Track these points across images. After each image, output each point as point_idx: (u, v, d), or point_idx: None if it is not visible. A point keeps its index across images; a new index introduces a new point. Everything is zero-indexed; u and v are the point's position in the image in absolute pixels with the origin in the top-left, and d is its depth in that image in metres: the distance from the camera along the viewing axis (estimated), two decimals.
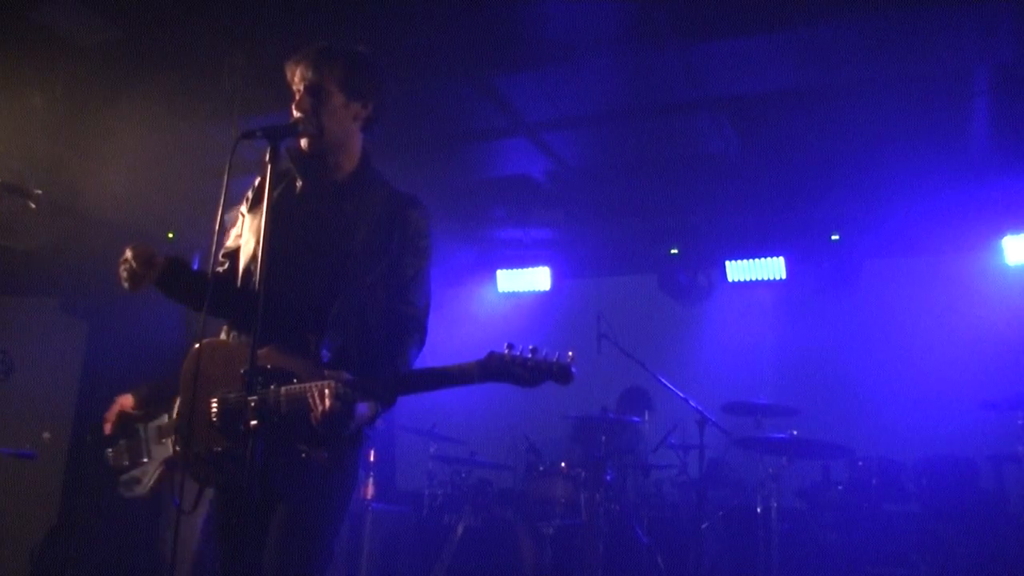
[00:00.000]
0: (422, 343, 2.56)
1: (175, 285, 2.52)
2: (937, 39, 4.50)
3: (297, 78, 2.53)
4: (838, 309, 6.85)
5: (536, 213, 7.28)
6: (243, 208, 2.68)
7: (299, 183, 2.58)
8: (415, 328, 2.54)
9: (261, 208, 2.39)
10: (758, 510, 5.31)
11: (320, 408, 2.24)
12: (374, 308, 2.50)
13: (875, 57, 4.67)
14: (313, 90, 2.50)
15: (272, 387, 2.30)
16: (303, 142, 2.55)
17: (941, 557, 5.00)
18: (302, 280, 2.46)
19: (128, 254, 2.42)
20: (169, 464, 3.72)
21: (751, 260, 7.05)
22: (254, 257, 2.48)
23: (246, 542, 2.26)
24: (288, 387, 2.30)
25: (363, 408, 2.36)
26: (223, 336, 2.56)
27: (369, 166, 2.64)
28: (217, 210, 2.39)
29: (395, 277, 2.54)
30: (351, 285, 2.45)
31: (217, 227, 2.42)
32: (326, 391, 2.24)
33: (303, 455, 2.34)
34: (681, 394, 5.57)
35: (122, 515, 6.45)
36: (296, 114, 2.50)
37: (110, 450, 3.65)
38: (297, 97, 2.53)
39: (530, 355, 2.26)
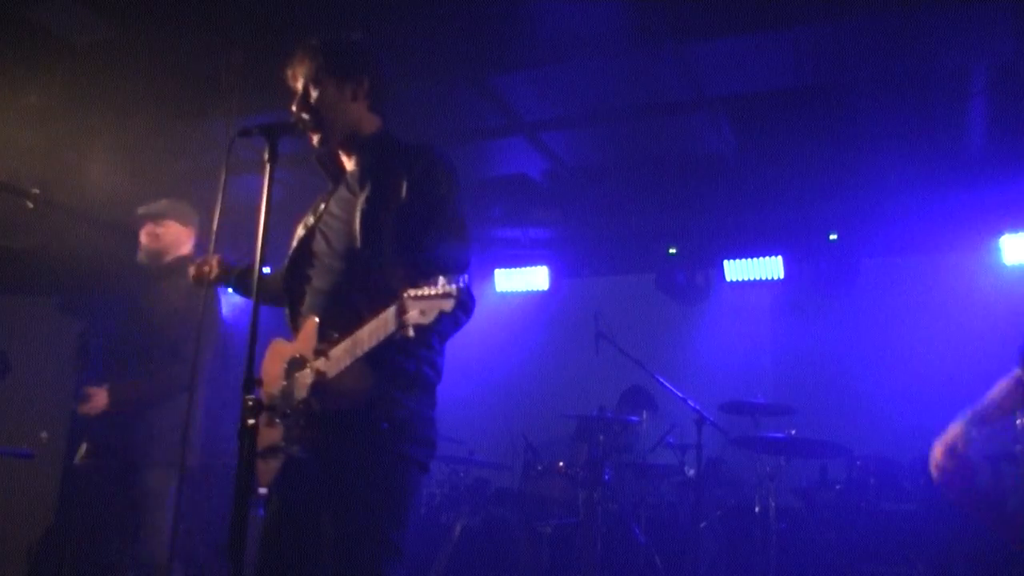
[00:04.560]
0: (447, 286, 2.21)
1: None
2: (935, 39, 4.50)
3: (293, 82, 2.53)
4: (836, 308, 6.85)
5: (534, 213, 7.28)
6: None
7: (332, 188, 2.60)
8: (429, 272, 2.11)
9: (306, 215, 2.57)
10: (756, 509, 5.31)
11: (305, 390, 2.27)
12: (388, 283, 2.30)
13: (872, 56, 4.67)
14: (305, 87, 2.49)
15: (296, 376, 2.33)
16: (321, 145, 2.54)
17: (939, 556, 5.00)
18: (324, 277, 2.44)
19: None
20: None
21: (749, 260, 7.05)
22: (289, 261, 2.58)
23: (285, 542, 2.32)
24: (299, 373, 2.32)
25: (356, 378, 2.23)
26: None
27: (382, 137, 2.56)
28: (216, 209, 2.38)
29: (406, 235, 2.36)
30: (359, 266, 2.37)
31: (215, 226, 2.41)
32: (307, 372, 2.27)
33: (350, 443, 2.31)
34: (679, 394, 5.57)
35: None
36: (302, 116, 2.49)
37: None
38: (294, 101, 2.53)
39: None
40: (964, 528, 5.01)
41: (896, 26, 4.36)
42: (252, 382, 2.12)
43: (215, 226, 2.43)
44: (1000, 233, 6.29)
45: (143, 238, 4.03)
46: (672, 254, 7.36)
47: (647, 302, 7.47)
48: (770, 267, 6.99)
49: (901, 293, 6.72)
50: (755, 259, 7.02)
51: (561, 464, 5.74)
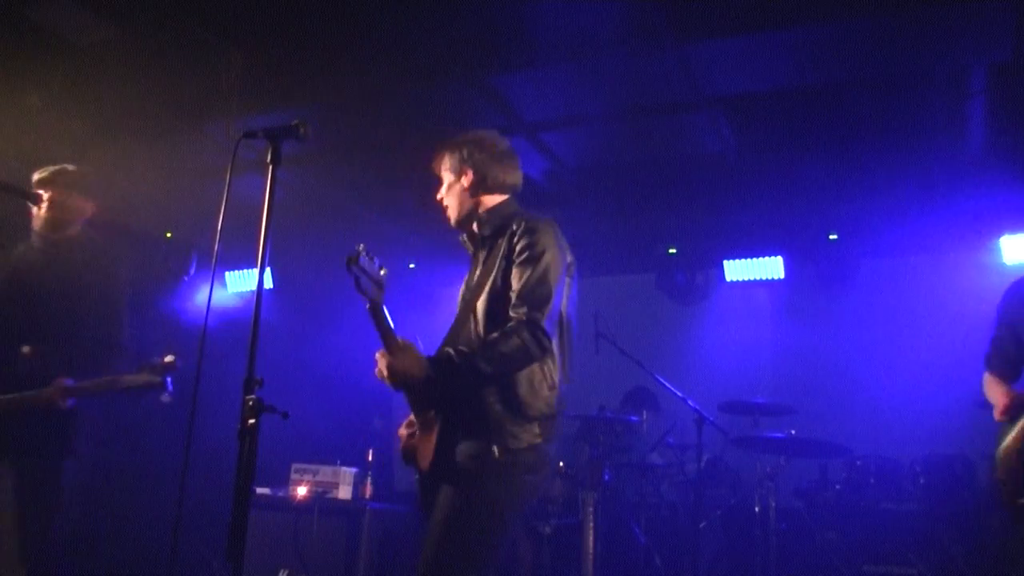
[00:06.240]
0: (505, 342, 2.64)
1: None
2: (934, 39, 4.51)
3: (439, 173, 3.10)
4: (836, 308, 6.86)
5: (533, 213, 7.26)
6: None
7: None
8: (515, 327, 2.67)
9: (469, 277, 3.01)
10: (756, 509, 5.31)
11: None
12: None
13: (872, 57, 4.67)
14: (440, 179, 3.07)
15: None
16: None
17: (939, 556, 5.00)
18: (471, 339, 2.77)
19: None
20: None
21: (749, 259, 7.05)
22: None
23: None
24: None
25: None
26: None
27: (499, 210, 3.00)
28: (219, 210, 2.38)
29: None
30: (491, 324, 2.76)
31: (220, 226, 2.41)
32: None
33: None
34: (679, 393, 5.57)
35: (119, 513, 6.45)
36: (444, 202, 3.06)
37: None
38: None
39: None
40: (964, 528, 5.02)
41: (896, 26, 4.37)
42: (252, 382, 2.11)
43: (220, 226, 2.42)
44: (1000, 233, 6.29)
45: (44, 204, 3.81)
46: (672, 254, 7.36)
47: (647, 302, 7.47)
48: (770, 267, 7.00)
49: (901, 293, 6.73)
50: (755, 259, 7.03)
51: (561, 464, 5.73)
